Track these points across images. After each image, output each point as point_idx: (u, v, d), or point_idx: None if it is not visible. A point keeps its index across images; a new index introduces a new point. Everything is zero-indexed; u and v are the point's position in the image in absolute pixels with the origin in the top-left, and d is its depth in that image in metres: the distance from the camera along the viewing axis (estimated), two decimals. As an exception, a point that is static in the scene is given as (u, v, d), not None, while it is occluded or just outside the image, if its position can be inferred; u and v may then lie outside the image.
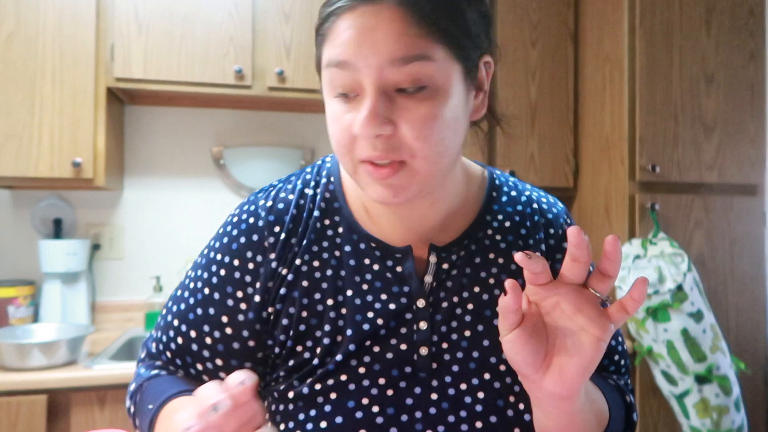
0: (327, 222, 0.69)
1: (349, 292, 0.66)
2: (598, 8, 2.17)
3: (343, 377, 0.63)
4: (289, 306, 0.66)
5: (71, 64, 1.86)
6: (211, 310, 0.68)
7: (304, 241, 0.68)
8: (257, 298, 0.67)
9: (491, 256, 0.70)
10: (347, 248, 0.68)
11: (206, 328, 0.68)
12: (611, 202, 2.08)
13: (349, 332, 0.64)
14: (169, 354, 0.71)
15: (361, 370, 0.63)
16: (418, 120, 0.57)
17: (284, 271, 0.67)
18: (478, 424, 0.62)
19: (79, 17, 1.87)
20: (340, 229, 0.69)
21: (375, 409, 0.61)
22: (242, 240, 0.69)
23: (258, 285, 0.67)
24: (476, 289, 0.68)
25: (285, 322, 0.66)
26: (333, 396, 0.62)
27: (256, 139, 2.31)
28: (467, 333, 0.66)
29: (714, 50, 2.07)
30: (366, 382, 0.63)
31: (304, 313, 0.66)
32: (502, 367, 0.65)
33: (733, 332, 2.04)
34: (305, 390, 0.63)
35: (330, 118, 0.61)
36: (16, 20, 1.83)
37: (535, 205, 0.76)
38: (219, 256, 0.69)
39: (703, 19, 2.06)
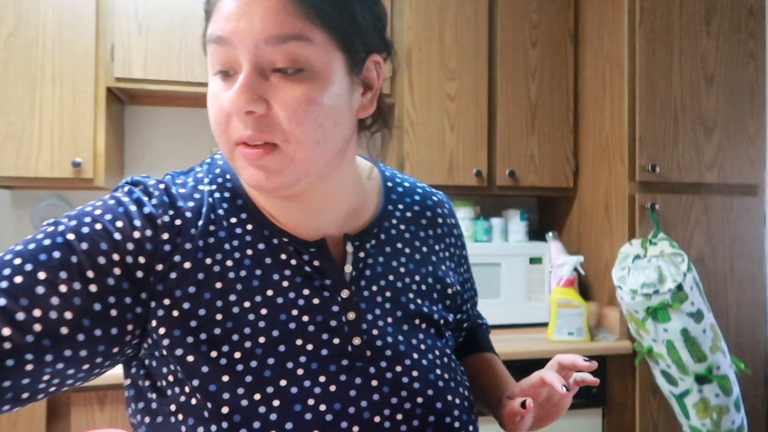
0: (234, 220, 0.66)
1: (269, 292, 0.63)
2: (598, 8, 2.17)
3: (283, 382, 0.60)
4: (199, 308, 0.61)
5: (71, 64, 1.86)
6: (74, 258, 0.57)
7: (211, 239, 0.63)
8: (139, 273, 0.59)
9: (398, 245, 0.73)
10: (261, 246, 0.65)
11: (63, 274, 0.57)
12: (611, 202, 2.08)
13: (275, 333, 0.62)
14: None
15: (300, 371, 0.61)
16: (292, 101, 0.57)
17: (187, 265, 0.61)
18: (419, 400, 0.65)
19: (79, 17, 1.87)
20: (250, 227, 0.66)
21: (322, 407, 0.61)
22: (131, 207, 0.61)
23: (142, 259, 0.60)
24: (391, 277, 0.70)
25: (194, 323, 0.60)
26: (276, 403, 0.59)
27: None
28: (390, 319, 0.68)
29: (714, 50, 2.07)
30: (307, 383, 0.61)
31: (218, 316, 0.61)
32: (423, 347, 0.69)
33: (733, 332, 2.04)
34: (244, 402, 0.59)
35: (209, 97, 0.61)
36: (16, 20, 1.83)
37: (434, 198, 0.81)
38: (98, 213, 0.61)
39: (703, 19, 2.06)
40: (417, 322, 0.70)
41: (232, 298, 0.62)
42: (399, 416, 0.64)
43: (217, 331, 0.61)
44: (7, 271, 0.56)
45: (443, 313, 0.74)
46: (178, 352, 0.60)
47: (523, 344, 1.92)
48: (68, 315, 0.56)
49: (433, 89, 2.14)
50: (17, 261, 0.57)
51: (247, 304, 0.62)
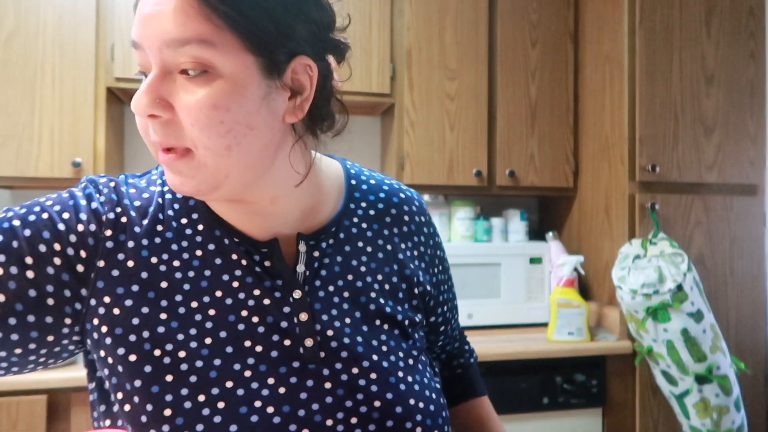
0: (184, 221, 0.65)
1: (218, 293, 0.63)
2: (598, 8, 2.17)
3: (229, 384, 0.59)
4: (141, 306, 0.60)
5: (71, 64, 1.86)
6: (15, 243, 0.58)
7: (158, 239, 0.63)
8: (80, 267, 0.60)
9: (359, 244, 0.71)
10: (211, 246, 0.64)
11: (1, 257, 0.57)
12: (611, 202, 2.08)
13: (222, 334, 0.61)
14: None
15: (247, 373, 0.60)
16: (193, 105, 0.55)
17: (130, 264, 0.61)
18: (377, 403, 0.63)
19: (79, 17, 1.87)
20: (200, 227, 0.65)
21: (270, 410, 0.59)
22: (82, 202, 0.62)
23: (83, 253, 0.60)
24: (350, 277, 0.68)
25: (135, 321, 0.60)
26: (221, 405, 0.58)
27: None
28: (348, 320, 0.66)
29: (714, 50, 2.07)
30: (255, 385, 0.60)
31: (163, 315, 0.60)
32: (384, 348, 0.67)
33: (733, 332, 2.05)
34: (187, 404, 0.58)
35: None
36: (16, 20, 1.83)
37: (402, 195, 0.79)
38: (47, 202, 0.62)
39: (703, 19, 2.06)
40: (378, 322, 0.68)
41: (178, 298, 0.62)
42: (353, 420, 0.62)
43: (161, 329, 0.60)
44: None
45: (409, 313, 0.72)
46: (120, 351, 0.59)
47: (523, 344, 1.92)
48: (0, 298, 0.56)
49: (433, 89, 2.14)
50: None
51: (194, 305, 0.62)
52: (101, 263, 0.61)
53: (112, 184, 0.65)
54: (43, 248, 0.59)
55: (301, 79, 0.62)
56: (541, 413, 1.91)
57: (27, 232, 0.59)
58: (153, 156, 2.23)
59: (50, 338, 0.59)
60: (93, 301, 0.60)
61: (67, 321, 0.59)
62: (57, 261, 0.59)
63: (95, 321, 0.60)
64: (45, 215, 0.60)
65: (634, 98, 2.00)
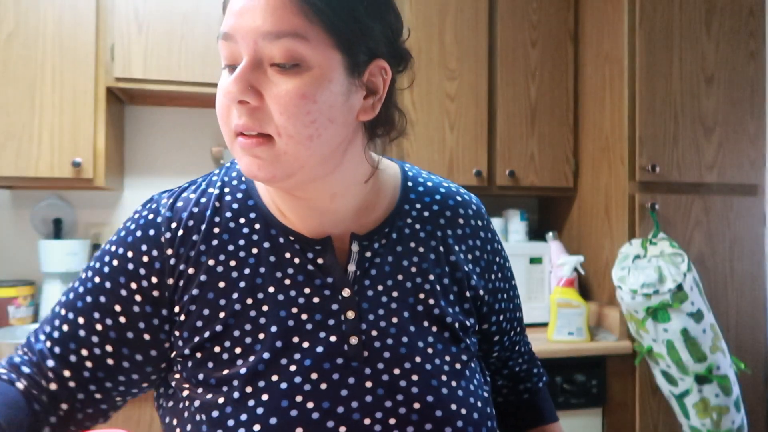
0: (242, 221, 0.68)
1: (271, 289, 0.65)
2: (598, 8, 2.17)
3: (274, 377, 0.62)
4: (203, 307, 0.65)
5: (71, 64, 1.86)
6: (102, 298, 0.66)
7: (215, 241, 0.67)
8: (155, 293, 0.66)
9: (412, 245, 0.71)
10: (266, 245, 0.67)
11: (96, 314, 0.66)
12: (611, 202, 2.08)
13: (273, 329, 0.64)
14: (48, 343, 0.67)
15: (293, 367, 0.62)
16: (284, 95, 0.58)
17: (191, 271, 0.66)
18: (416, 405, 0.63)
19: (79, 17, 1.87)
20: (257, 226, 0.68)
21: (310, 405, 0.61)
22: (138, 234, 0.68)
23: (154, 279, 0.66)
24: (399, 277, 0.69)
25: (199, 323, 0.65)
26: (265, 397, 0.61)
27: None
28: (394, 320, 0.67)
29: (714, 50, 2.07)
30: (298, 379, 0.62)
31: (221, 314, 0.64)
32: (430, 350, 0.67)
33: (733, 332, 2.04)
34: (236, 395, 0.61)
35: (218, 88, 0.63)
36: (16, 20, 1.83)
37: (459, 198, 0.78)
38: (113, 248, 0.68)
39: (703, 19, 2.06)
40: (427, 324, 0.68)
41: (235, 295, 0.65)
42: (392, 420, 0.62)
43: (219, 328, 0.64)
44: (57, 323, 0.67)
45: (460, 316, 0.71)
46: (186, 351, 0.65)
47: (523, 344, 1.92)
48: (109, 348, 0.66)
49: (433, 89, 2.14)
50: (63, 312, 0.68)
51: (249, 301, 0.65)
52: (170, 281, 0.66)
53: (170, 201, 0.70)
54: (124, 292, 0.66)
55: (376, 81, 0.65)
56: (541, 413, 1.91)
57: (108, 284, 0.66)
58: (152, 152, 2.22)
59: (163, 365, 0.68)
60: (172, 315, 0.67)
61: (166, 345, 0.67)
62: (138, 298, 0.66)
63: (176, 332, 0.66)
64: (115, 262, 0.67)
65: (634, 98, 2.00)
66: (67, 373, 0.66)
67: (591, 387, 1.94)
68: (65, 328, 0.67)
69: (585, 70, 2.25)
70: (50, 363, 0.66)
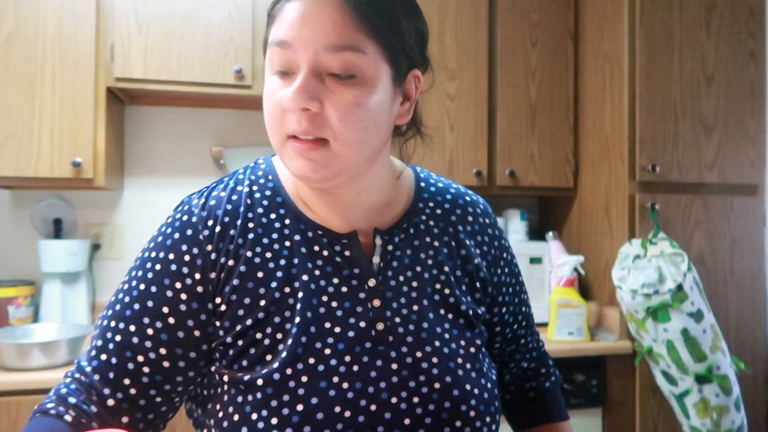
0: (273, 216, 0.73)
1: (305, 278, 0.70)
2: (598, 8, 2.17)
3: (312, 360, 0.67)
4: (244, 297, 0.69)
5: (71, 64, 1.86)
6: (150, 303, 0.69)
7: (250, 235, 0.71)
8: (199, 289, 0.69)
9: (427, 239, 0.78)
10: (297, 237, 0.72)
11: (146, 320, 0.69)
12: (611, 202, 2.08)
13: (308, 315, 0.69)
14: (104, 356, 0.69)
15: (327, 351, 0.68)
16: (343, 103, 0.64)
17: (231, 263, 0.70)
18: (437, 385, 0.69)
19: (79, 17, 1.87)
20: (287, 221, 0.73)
21: (345, 385, 0.66)
22: (176, 236, 0.71)
23: (198, 276, 0.69)
24: (418, 269, 0.75)
25: (241, 312, 0.69)
26: (304, 379, 0.66)
27: (256, 139, 2.31)
28: (415, 307, 0.73)
29: (714, 50, 2.07)
30: (333, 362, 0.67)
31: (262, 302, 0.69)
32: (447, 335, 0.73)
33: (733, 332, 2.04)
34: (276, 376, 0.66)
35: (266, 93, 0.67)
36: (16, 20, 1.83)
37: (468, 198, 0.85)
38: (153, 254, 0.71)
39: (703, 19, 2.06)
40: (443, 311, 0.74)
41: (273, 285, 0.70)
42: (415, 399, 0.68)
43: (261, 315, 0.69)
44: (109, 335, 0.69)
45: (472, 305, 0.78)
46: (229, 339, 0.69)
47: (523, 344, 1.92)
48: (163, 351, 0.68)
49: (433, 89, 2.14)
50: (112, 324, 0.70)
51: (287, 290, 0.70)
52: (212, 275, 0.70)
53: (202, 201, 0.73)
54: (170, 293, 0.69)
55: (410, 88, 0.73)
56: (541, 413, 1.91)
57: (153, 289, 0.69)
58: (152, 152, 2.21)
59: (207, 359, 0.71)
60: (216, 307, 0.70)
61: (221, 333, 0.69)
62: (183, 296, 0.69)
63: (217, 323, 0.70)
64: (158, 266, 0.70)
65: (634, 98, 2.00)
66: (126, 382, 0.68)
67: (591, 387, 1.94)
68: (118, 338, 0.69)
69: (585, 70, 2.25)
70: (110, 375, 0.68)
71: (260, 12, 2.01)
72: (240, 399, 0.67)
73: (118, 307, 0.70)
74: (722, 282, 2.04)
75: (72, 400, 0.68)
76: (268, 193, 0.75)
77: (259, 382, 0.66)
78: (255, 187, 0.75)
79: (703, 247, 2.03)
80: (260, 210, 0.73)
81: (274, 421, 0.64)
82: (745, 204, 2.08)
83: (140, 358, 0.68)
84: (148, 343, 0.68)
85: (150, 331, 0.68)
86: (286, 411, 0.65)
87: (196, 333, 0.69)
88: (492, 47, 2.21)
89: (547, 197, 2.51)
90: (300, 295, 0.69)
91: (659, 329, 1.79)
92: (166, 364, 0.68)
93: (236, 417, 0.66)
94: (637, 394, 1.98)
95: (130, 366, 0.68)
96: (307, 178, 0.67)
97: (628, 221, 1.99)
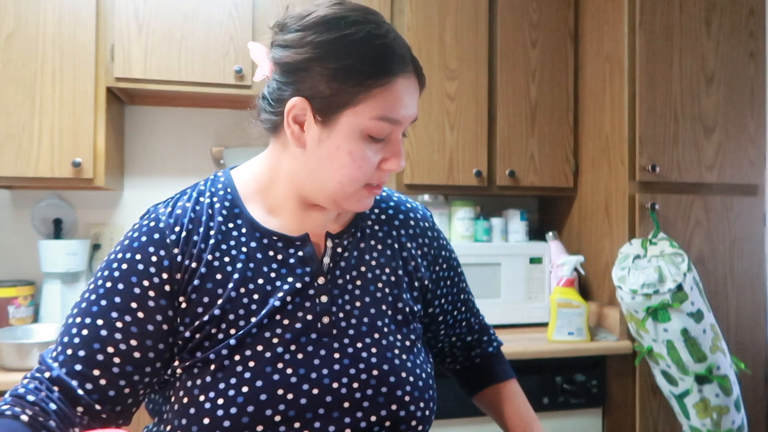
0: (230, 225, 0.81)
1: (260, 281, 0.78)
2: (598, 8, 2.17)
3: (260, 347, 0.75)
4: (203, 296, 0.76)
5: (71, 64, 1.86)
6: (117, 299, 0.74)
7: (211, 241, 0.78)
8: (167, 288, 0.75)
9: (372, 242, 0.88)
10: (253, 244, 0.80)
11: (114, 314, 0.73)
12: (611, 202, 2.08)
13: (263, 312, 0.76)
14: (70, 351, 0.72)
15: (275, 340, 0.76)
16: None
17: (194, 265, 0.77)
18: (375, 372, 0.78)
19: (79, 17, 1.87)
20: (244, 230, 0.81)
21: (289, 370, 0.74)
22: (143, 239, 0.77)
23: (165, 275, 0.76)
24: (362, 269, 0.85)
25: (200, 309, 0.76)
26: (251, 364, 0.74)
27: (256, 139, 2.31)
28: (358, 303, 0.82)
29: (714, 50, 2.07)
30: (279, 350, 0.75)
31: (219, 301, 0.76)
32: (386, 329, 0.82)
33: (733, 332, 2.04)
34: (226, 362, 0.73)
35: (355, 155, 0.76)
36: (16, 20, 1.83)
37: (409, 205, 0.96)
38: (120, 255, 0.77)
39: (703, 19, 2.06)
40: (384, 307, 0.84)
41: (230, 285, 0.77)
42: (355, 384, 0.77)
43: (217, 312, 0.75)
44: (74, 331, 0.73)
45: (410, 302, 0.87)
46: (187, 334, 0.75)
47: (522, 344, 1.92)
48: (134, 342, 0.73)
49: (433, 89, 2.14)
50: (78, 320, 0.74)
51: (242, 290, 0.77)
52: (178, 275, 0.76)
53: (168, 210, 0.80)
54: (137, 290, 0.74)
55: None
56: (541, 413, 1.91)
57: (120, 285, 0.74)
58: (152, 152, 2.21)
59: (171, 352, 0.77)
60: (180, 305, 0.76)
61: (187, 335, 0.75)
62: (152, 293, 0.75)
63: (178, 319, 0.76)
64: (125, 266, 0.75)
65: (634, 98, 2.00)
66: (96, 372, 0.71)
67: (591, 387, 1.94)
68: (85, 332, 0.73)
69: (585, 70, 2.25)
70: (78, 367, 0.71)
71: (260, 12, 2.01)
72: (189, 383, 0.73)
73: (84, 305, 0.75)
74: (722, 282, 2.04)
75: (30, 398, 0.69)
76: (227, 204, 0.82)
77: (211, 367, 0.73)
78: (215, 199, 0.82)
79: (703, 247, 2.03)
80: (220, 219, 0.81)
81: (220, 401, 0.71)
82: (745, 204, 2.08)
83: (110, 349, 0.72)
84: (118, 335, 0.73)
85: (119, 324, 0.73)
86: (231, 392, 0.72)
87: (164, 327, 0.75)
88: (492, 47, 2.21)
89: (547, 197, 2.51)
90: (255, 296, 0.77)
91: (659, 329, 1.79)
92: (137, 354, 0.73)
93: (185, 399, 0.73)
94: (637, 395, 1.98)
95: (100, 357, 0.72)
96: (365, 208, 0.81)
97: (628, 221, 1.99)
